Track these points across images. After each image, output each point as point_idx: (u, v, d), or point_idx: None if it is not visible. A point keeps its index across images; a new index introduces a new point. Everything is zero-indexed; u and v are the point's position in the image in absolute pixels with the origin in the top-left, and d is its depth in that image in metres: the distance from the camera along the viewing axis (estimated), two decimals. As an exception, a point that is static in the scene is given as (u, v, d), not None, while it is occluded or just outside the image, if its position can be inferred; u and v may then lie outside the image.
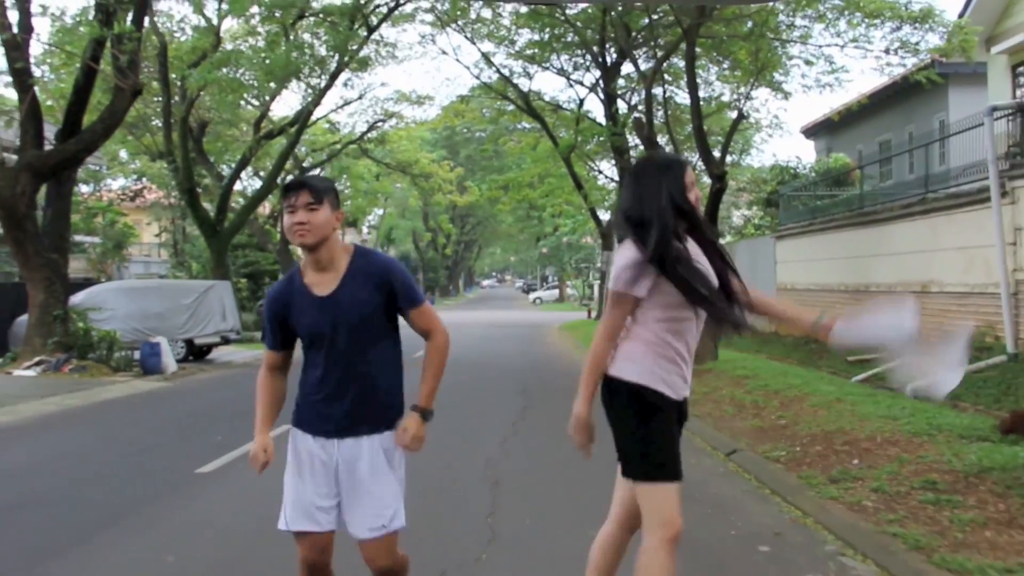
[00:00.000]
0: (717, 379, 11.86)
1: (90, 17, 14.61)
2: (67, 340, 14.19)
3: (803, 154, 76.87)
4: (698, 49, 16.19)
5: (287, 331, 3.05)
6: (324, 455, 3.01)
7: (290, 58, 17.68)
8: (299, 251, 3.16)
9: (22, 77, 13.77)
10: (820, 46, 15.67)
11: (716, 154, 14.90)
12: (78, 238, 24.10)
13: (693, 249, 2.94)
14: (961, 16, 18.27)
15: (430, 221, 53.51)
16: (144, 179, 32.17)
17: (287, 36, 19.70)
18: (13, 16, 13.77)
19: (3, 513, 5.48)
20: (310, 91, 22.28)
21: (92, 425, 9.50)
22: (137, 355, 14.58)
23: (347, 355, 2.99)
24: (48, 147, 14.60)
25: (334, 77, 20.73)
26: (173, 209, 33.44)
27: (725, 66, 19.12)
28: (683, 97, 22.43)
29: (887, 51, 15.75)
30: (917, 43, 15.79)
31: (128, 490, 6.12)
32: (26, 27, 14.06)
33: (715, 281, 2.93)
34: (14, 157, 14.27)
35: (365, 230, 46.84)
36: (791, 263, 19.33)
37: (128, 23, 13.90)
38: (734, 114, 17.60)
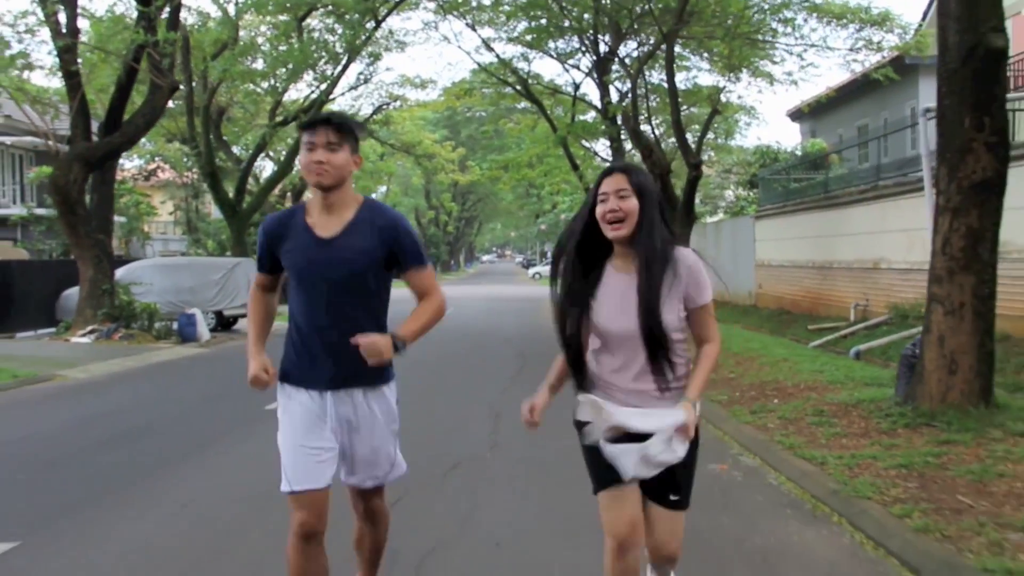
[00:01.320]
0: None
1: (131, 15, 16.49)
2: (114, 311, 16.12)
3: (790, 136, 78.73)
4: (679, 49, 18.04)
5: (275, 260, 3.03)
6: (318, 408, 2.97)
7: (307, 52, 19.48)
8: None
9: (73, 79, 15.58)
10: (788, 46, 17.48)
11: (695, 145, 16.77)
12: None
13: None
14: (925, 14, 20.13)
15: (432, 199, 55.34)
16: (157, 159, 34.04)
17: (299, 30, 21.50)
18: (61, 18, 15.57)
19: (115, 440, 7.42)
20: (318, 78, 24.08)
21: (159, 379, 11.46)
22: (175, 325, 16.50)
23: (337, 305, 2.92)
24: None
25: (345, 68, 22.52)
26: (186, 188, 35.34)
27: (705, 57, 20.93)
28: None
29: (851, 49, 17.60)
30: (879, 41, 17.63)
31: (211, 425, 8.07)
32: (72, 31, 15.85)
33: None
34: (66, 147, 16.12)
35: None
36: (768, 241, 21.23)
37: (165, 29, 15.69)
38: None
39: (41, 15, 15.43)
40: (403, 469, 3.21)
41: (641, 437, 2.72)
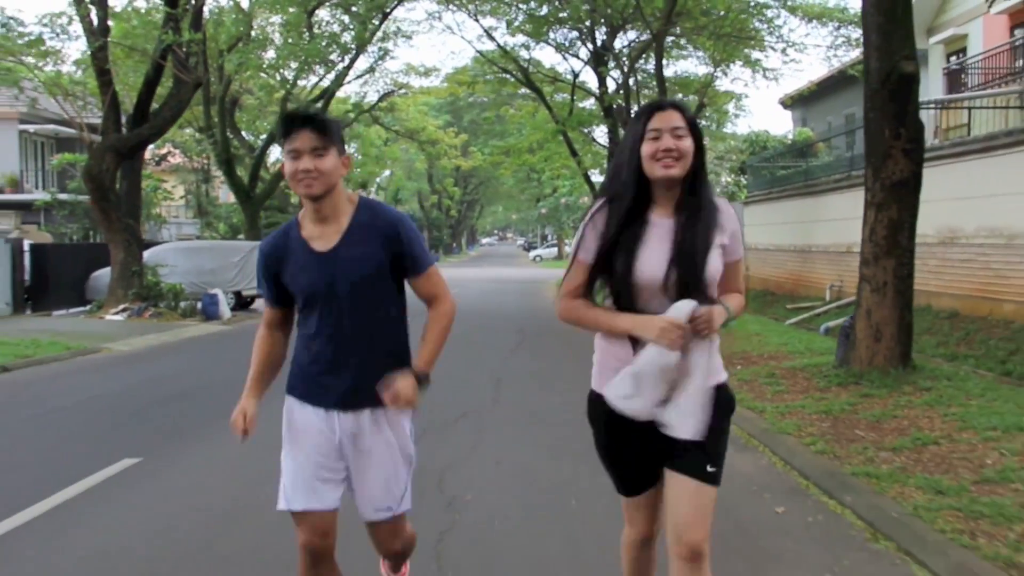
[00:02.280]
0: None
1: (149, 12, 17.82)
2: (143, 291, 17.54)
3: (782, 124, 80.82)
4: (674, 39, 19.36)
5: (282, 287, 2.82)
6: (325, 427, 2.79)
7: (319, 48, 20.82)
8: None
9: (105, 76, 16.93)
10: (771, 43, 18.83)
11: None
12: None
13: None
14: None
15: (436, 184, 56.79)
16: (167, 144, 35.35)
17: (309, 24, 22.81)
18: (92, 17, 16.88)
19: (182, 394, 8.85)
20: (327, 68, 25.40)
21: (194, 352, 12.89)
22: (199, 305, 17.92)
23: (347, 319, 2.75)
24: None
25: (354, 60, 23.86)
26: (196, 173, 36.67)
27: (698, 48, 22.27)
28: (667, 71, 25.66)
29: (831, 46, 18.94)
30: (858, 38, 18.94)
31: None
32: (103, 30, 17.17)
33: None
34: (98, 137, 17.50)
35: (373, 191, 50.03)
36: (756, 226, 22.61)
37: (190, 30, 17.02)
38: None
39: (75, 14, 16.76)
40: (408, 506, 2.93)
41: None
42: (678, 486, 2.60)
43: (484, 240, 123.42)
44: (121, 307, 17.01)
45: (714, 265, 2.55)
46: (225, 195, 44.74)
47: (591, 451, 2.85)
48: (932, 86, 20.40)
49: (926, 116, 17.85)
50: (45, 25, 16.71)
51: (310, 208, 2.74)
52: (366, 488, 2.82)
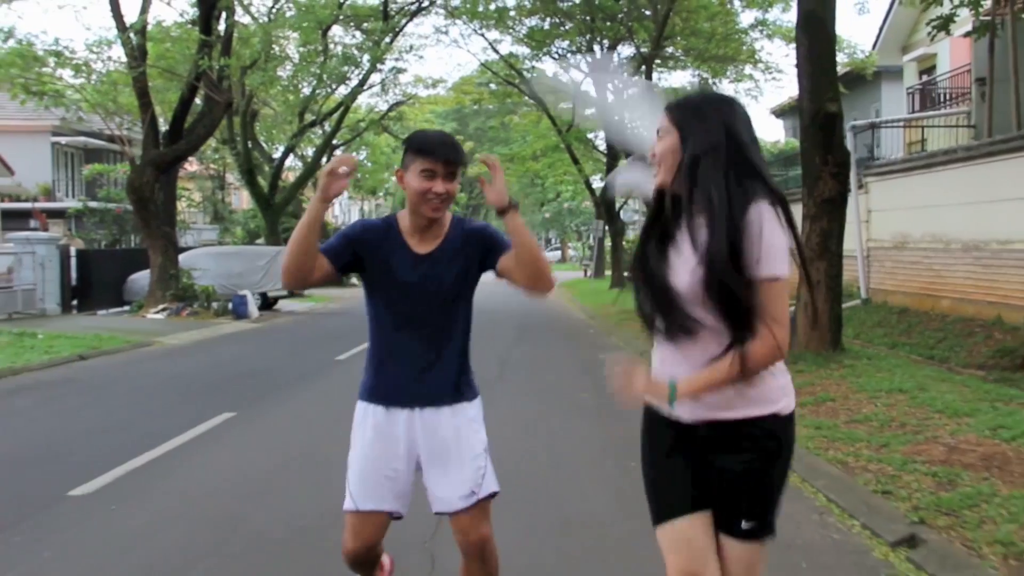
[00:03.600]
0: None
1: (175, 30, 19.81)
2: (179, 293, 19.50)
3: (774, 132, 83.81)
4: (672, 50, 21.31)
5: (353, 262, 2.90)
6: (392, 426, 2.93)
7: (337, 68, 22.81)
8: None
9: (144, 98, 18.90)
10: (752, 63, 20.75)
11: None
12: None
13: None
14: (880, 31, 23.38)
15: (442, 189, 58.71)
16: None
17: (324, 42, 24.80)
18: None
19: (247, 374, 10.77)
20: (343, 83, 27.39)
21: (234, 344, 14.82)
22: (230, 305, 19.86)
23: (431, 318, 2.90)
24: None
25: (368, 75, 25.82)
26: (212, 180, 38.70)
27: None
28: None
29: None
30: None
31: (299, 369, 11.42)
32: (142, 54, 19.13)
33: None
34: (138, 152, 19.48)
35: (381, 196, 52.01)
36: (743, 231, 24.45)
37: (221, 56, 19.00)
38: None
39: (115, 36, 18.74)
40: (495, 487, 3.01)
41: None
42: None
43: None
44: (161, 307, 18.97)
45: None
46: (238, 201, 46.81)
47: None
48: (903, 103, 22.35)
49: (895, 133, 19.88)
50: (94, 52, 18.68)
51: (419, 223, 2.88)
52: (447, 479, 2.94)
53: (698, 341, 2.25)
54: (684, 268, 2.23)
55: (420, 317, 2.89)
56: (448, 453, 2.93)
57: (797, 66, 9.93)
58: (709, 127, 2.23)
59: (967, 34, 14.78)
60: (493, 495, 2.99)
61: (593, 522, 4.73)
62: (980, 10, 14.26)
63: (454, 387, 2.96)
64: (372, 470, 2.92)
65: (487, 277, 3.00)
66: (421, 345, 2.91)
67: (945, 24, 13.99)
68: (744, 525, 2.32)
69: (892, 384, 7.88)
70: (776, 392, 2.31)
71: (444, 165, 2.74)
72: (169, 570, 4.07)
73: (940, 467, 5.18)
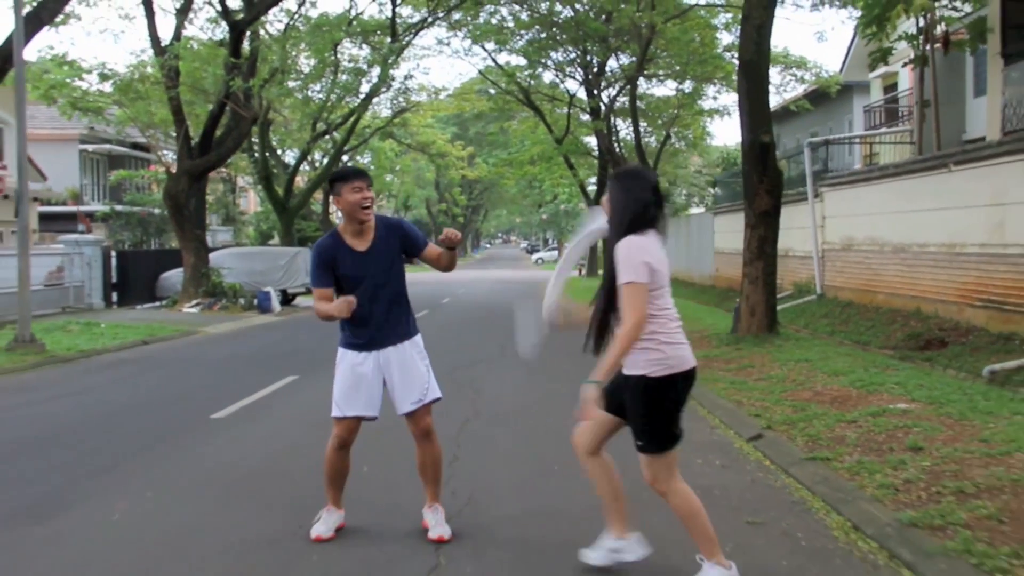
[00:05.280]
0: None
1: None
2: (210, 289, 21.99)
3: None
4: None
5: (332, 274, 4.45)
6: (368, 364, 4.54)
7: (349, 83, 25.32)
8: (338, 219, 6.74)
9: (179, 115, 21.39)
10: (724, 84, 23.27)
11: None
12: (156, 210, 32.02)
13: None
14: (848, 51, 25.93)
15: (445, 194, 61.67)
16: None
17: (336, 63, 27.27)
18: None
19: (289, 352, 13.25)
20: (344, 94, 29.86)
21: (267, 334, 17.30)
22: (255, 301, 22.35)
23: (380, 292, 4.46)
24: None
25: (376, 91, 28.30)
26: (225, 183, 41.19)
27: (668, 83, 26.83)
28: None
29: (780, 84, 23.44)
30: (802, 76, 23.47)
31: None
32: (175, 74, 21.59)
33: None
34: (173, 162, 21.97)
35: (384, 197, 54.59)
36: (723, 233, 27.01)
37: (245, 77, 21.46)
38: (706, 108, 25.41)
39: (151, 60, 21.23)
40: (438, 394, 4.61)
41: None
42: None
43: (487, 245, 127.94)
44: (194, 302, 21.47)
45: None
46: (246, 203, 49.27)
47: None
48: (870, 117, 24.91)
49: (855, 147, 22.37)
50: (136, 76, 21.17)
51: (355, 227, 4.44)
52: (403, 392, 4.55)
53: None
54: None
55: (372, 293, 4.44)
56: (403, 374, 4.52)
57: (739, 103, 12.45)
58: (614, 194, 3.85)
59: (904, 64, 17.27)
60: (436, 400, 4.60)
61: (552, 429, 7.23)
62: (917, 43, 16.86)
63: (404, 331, 4.59)
64: (352, 390, 4.55)
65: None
66: (377, 309, 4.47)
67: (883, 56, 16.61)
68: (635, 444, 3.74)
69: (801, 356, 10.41)
70: (642, 362, 3.66)
71: (364, 181, 4.42)
72: (284, 460, 6.54)
73: (801, 403, 7.71)
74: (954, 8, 15.90)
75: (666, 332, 3.70)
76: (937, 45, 16.60)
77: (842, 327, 15.22)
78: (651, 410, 3.70)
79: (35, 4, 13.49)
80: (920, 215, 14.42)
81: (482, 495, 5.37)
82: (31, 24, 12.91)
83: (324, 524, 4.57)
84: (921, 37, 16.63)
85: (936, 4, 15.62)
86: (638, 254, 3.59)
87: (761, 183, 12.05)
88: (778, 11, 11.87)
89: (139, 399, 9.31)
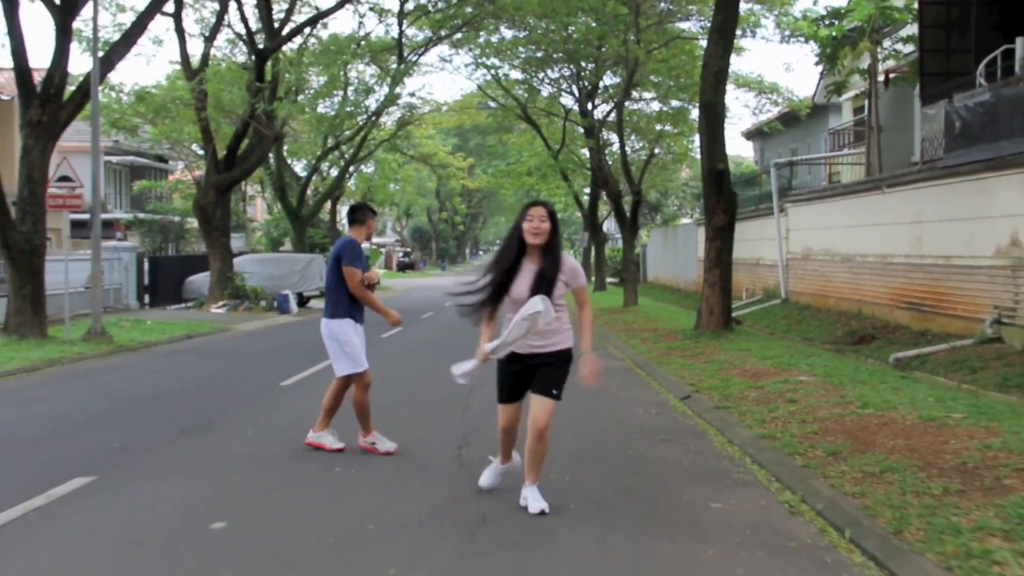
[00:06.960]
0: (632, 314, 22.27)
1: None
2: (234, 291, 24.52)
3: (746, 152, 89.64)
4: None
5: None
6: (361, 331, 7.10)
7: (360, 101, 27.91)
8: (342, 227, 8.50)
9: (207, 133, 23.96)
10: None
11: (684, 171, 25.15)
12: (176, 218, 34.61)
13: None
14: (821, 75, 28.49)
15: (446, 202, 64.38)
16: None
17: (345, 82, 29.84)
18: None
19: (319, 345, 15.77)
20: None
21: (292, 331, 19.79)
22: (275, 303, 24.87)
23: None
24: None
25: (384, 107, 30.90)
26: (236, 192, 43.71)
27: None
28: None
29: (755, 107, 26.00)
30: (775, 100, 26.06)
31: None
32: (204, 96, 24.15)
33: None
34: (200, 174, 24.52)
35: (387, 206, 57.23)
36: (704, 243, 29.55)
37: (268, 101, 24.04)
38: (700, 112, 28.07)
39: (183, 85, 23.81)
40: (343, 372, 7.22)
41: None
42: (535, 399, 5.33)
43: (483, 253, 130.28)
44: (221, 303, 24.01)
45: (559, 288, 5.22)
46: (253, 211, 51.82)
47: None
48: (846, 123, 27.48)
49: (819, 167, 24.92)
50: (169, 100, 23.76)
51: (362, 239, 7.24)
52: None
53: (515, 309, 5.24)
54: (524, 280, 5.21)
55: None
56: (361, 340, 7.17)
57: (699, 135, 15.01)
58: (558, 224, 5.44)
59: (855, 96, 19.86)
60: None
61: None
62: (866, 77, 19.45)
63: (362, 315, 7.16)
64: (361, 349, 7.05)
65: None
66: (353, 299, 7.00)
67: (839, 89, 19.21)
68: (553, 392, 5.28)
69: (744, 347, 12.96)
70: (567, 340, 5.36)
71: (374, 216, 7.32)
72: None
73: (728, 376, 10.26)
74: (895, 51, 18.51)
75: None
76: (880, 79, 19.19)
77: (796, 326, 17.78)
78: (567, 370, 5.38)
79: (107, 48, 16.07)
80: (862, 229, 16.98)
81: (477, 438, 7.88)
82: (104, 65, 15.47)
83: (381, 441, 7.16)
84: (867, 73, 19.22)
85: (876, 48, 18.22)
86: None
87: (718, 203, 14.60)
88: (750, 42, 14.37)
89: (215, 375, 11.87)
